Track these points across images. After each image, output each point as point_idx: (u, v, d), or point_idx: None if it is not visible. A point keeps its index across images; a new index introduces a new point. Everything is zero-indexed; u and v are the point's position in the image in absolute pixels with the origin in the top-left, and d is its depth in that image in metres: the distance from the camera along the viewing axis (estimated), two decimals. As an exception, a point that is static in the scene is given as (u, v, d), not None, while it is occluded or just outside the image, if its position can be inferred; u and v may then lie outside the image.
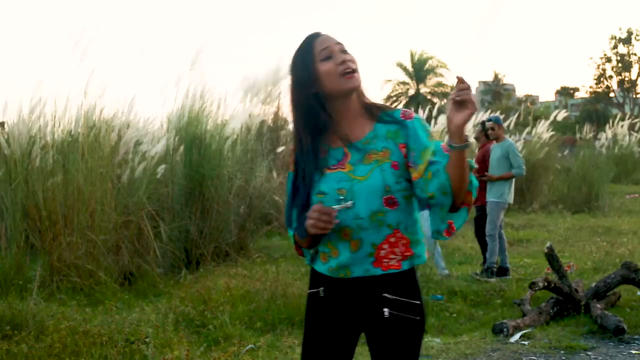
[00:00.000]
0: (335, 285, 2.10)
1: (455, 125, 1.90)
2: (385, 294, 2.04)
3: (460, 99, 1.88)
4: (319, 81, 2.05)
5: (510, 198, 7.47)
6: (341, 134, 2.07)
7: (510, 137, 15.68)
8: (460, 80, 1.88)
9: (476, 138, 8.06)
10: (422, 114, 14.98)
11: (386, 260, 2.03)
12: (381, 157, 2.02)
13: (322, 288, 2.12)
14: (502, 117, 15.38)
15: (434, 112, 14.97)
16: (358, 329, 2.13)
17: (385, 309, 2.04)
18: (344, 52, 2.08)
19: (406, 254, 2.05)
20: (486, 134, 7.76)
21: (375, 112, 2.09)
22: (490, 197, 7.40)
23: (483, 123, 7.98)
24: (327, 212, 1.96)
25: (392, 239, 2.03)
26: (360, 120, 2.09)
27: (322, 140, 2.08)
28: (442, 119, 14.82)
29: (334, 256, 2.07)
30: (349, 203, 1.99)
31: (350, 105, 2.09)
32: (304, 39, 2.12)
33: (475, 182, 2.03)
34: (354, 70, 2.06)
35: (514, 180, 7.49)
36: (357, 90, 2.08)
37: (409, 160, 2.02)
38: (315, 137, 2.07)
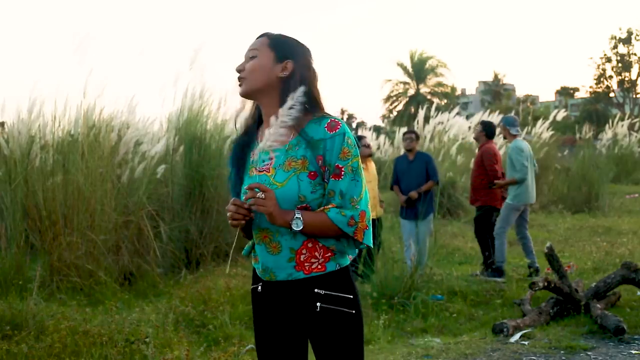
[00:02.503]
0: (269, 283, 2.15)
1: (273, 222, 2.02)
2: (317, 290, 2.07)
3: (254, 208, 2.00)
4: None
5: (527, 198, 7.37)
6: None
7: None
8: (250, 188, 2.00)
9: (476, 138, 8.06)
10: (421, 114, 14.95)
11: (308, 264, 2.07)
12: (300, 165, 2.05)
13: (260, 284, 2.17)
14: (500, 117, 15.42)
15: (432, 112, 14.93)
16: (297, 324, 2.14)
17: (318, 303, 2.06)
18: (250, 58, 2.14)
19: (327, 255, 2.07)
20: (486, 134, 7.76)
21: (300, 118, 2.06)
22: (509, 198, 7.41)
23: (482, 123, 7.98)
24: (241, 206, 2.04)
25: (310, 244, 2.07)
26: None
27: (253, 140, 2.18)
28: (439, 119, 14.84)
29: (256, 261, 2.16)
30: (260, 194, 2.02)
31: (267, 109, 2.14)
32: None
33: (355, 231, 2.05)
34: (242, 80, 2.13)
35: (530, 179, 7.41)
36: (248, 96, 2.16)
37: (325, 174, 2.06)
38: (240, 136, 2.23)
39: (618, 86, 47.57)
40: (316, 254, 2.06)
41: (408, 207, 7.36)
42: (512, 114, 16.63)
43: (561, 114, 16.05)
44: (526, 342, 4.86)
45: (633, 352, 4.63)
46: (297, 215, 2.00)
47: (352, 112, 71.19)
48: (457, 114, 15.85)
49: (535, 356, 4.58)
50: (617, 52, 47.08)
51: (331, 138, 2.04)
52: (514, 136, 7.57)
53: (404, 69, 48.83)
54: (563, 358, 4.56)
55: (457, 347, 4.78)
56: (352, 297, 2.09)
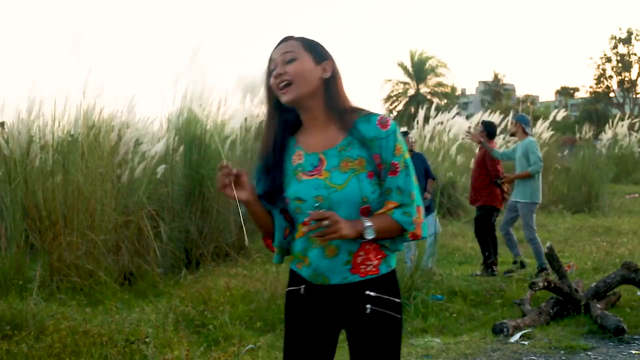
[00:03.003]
0: (314, 287, 2.10)
1: (347, 238, 1.98)
2: (368, 292, 2.06)
3: (327, 238, 1.95)
4: (270, 93, 2.12)
5: (539, 197, 7.40)
6: (314, 140, 2.09)
7: (510, 137, 15.67)
8: (315, 219, 1.93)
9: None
10: (421, 114, 14.95)
11: (363, 266, 2.05)
12: (357, 165, 2.02)
13: (303, 286, 2.12)
14: (501, 116, 15.39)
15: (432, 112, 14.92)
16: (338, 326, 2.14)
17: (368, 305, 2.06)
18: (288, 62, 2.05)
19: (379, 256, 2.07)
20: (488, 134, 7.76)
21: (349, 118, 2.06)
22: (521, 198, 7.35)
23: (483, 123, 7.98)
24: (227, 169, 2.02)
25: (367, 246, 2.05)
26: (332, 126, 2.08)
27: (296, 144, 2.12)
28: (439, 119, 14.83)
29: (306, 264, 2.08)
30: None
31: (313, 113, 2.09)
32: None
33: (415, 228, 2.05)
34: (288, 83, 2.04)
35: (539, 178, 7.40)
36: (296, 102, 2.06)
37: (381, 172, 2.04)
38: (283, 138, 2.12)
39: (618, 86, 47.58)
40: (371, 255, 2.05)
41: None
42: (512, 113, 16.66)
43: (561, 114, 16.05)
44: (526, 342, 4.86)
45: (633, 352, 4.63)
46: (367, 224, 1.97)
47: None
48: (457, 114, 15.86)
49: (535, 356, 4.58)
50: (617, 52, 47.10)
51: (385, 136, 2.03)
52: (527, 135, 7.55)
53: (404, 69, 48.83)
54: (563, 358, 4.56)
55: (457, 347, 4.78)
56: (399, 301, 2.11)
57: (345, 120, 2.06)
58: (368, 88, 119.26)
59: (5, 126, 7.55)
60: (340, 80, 2.11)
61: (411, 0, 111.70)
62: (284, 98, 2.04)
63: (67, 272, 6.23)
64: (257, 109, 9.78)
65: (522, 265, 7.49)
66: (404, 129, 11.31)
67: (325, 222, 1.90)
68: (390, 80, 49.14)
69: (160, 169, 7.44)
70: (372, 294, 2.06)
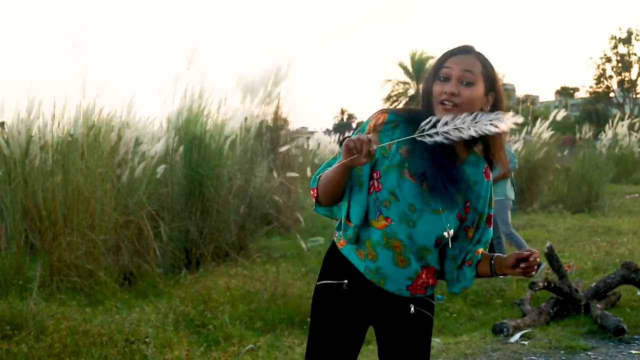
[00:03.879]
0: (362, 282, 2.08)
1: (506, 273, 2.10)
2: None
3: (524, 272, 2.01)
4: (430, 95, 2.03)
5: (512, 194, 7.49)
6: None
7: (510, 136, 15.66)
8: (532, 260, 1.98)
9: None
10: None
11: (419, 288, 2.12)
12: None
13: (346, 281, 2.09)
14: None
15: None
16: (370, 322, 2.16)
17: (412, 305, 2.11)
18: (465, 83, 1.98)
19: (430, 281, 2.16)
20: None
21: (468, 147, 2.06)
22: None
23: None
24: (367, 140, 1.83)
25: (425, 272, 2.12)
26: (456, 154, 2.05)
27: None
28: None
29: (370, 259, 2.05)
30: (415, 227, 2.02)
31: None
32: (454, 47, 2.06)
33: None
34: (454, 106, 1.96)
35: (512, 175, 7.48)
36: None
37: (468, 215, 2.08)
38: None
39: (618, 86, 47.56)
40: (430, 280, 2.15)
41: None
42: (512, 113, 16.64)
43: (561, 114, 16.04)
44: (526, 342, 4.86)
45: (633, 352, 4.63)
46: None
47: (352, 112, 71.24)
48: (457, 113, 15.83)
49: (535, 356, 4.58)
50: (617, 52, 47.09)
51: (487, 184, 2.08)
52: None
53: (404, 69, 48.83)
54: (563, 358, 4.56)
55: (457, 347, 4.78)
56: (434, 302, 2.21)
57: (468, 151, 2.07)
58: (368, 88, 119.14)
59: (5, 126, 7.55)
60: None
61: (411, 1, 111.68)
62: (443, 115, 1.93)
63: (67, 272, 6.23)
64: (257, 109, 9.79)
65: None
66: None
67: (533, 259, 1.98)
68: (390, 80, 49.17)
69: (160, 169, 7.44)
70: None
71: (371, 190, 2.01)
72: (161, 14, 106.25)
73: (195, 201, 7.76)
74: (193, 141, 7.97)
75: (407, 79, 49.03)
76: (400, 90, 49.24)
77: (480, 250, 2.13)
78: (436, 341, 4.98)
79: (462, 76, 1.98)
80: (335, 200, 2.05)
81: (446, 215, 2.00)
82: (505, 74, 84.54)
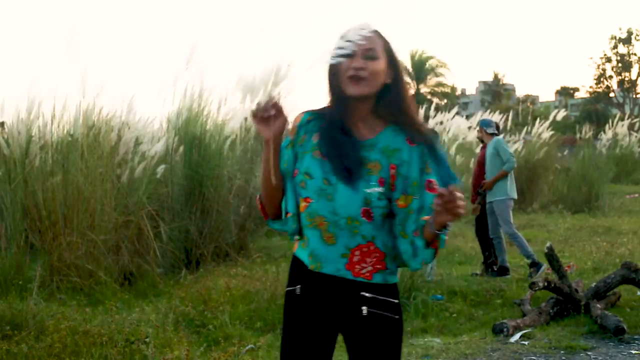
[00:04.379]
0: (311, 282, 2.09)
1: (439, 223, 1.95)
2: (363, 293, 2.05)
3: (447, 210, 1.90)
4: (335, 70, 2.08)
5: (514, 193, 7.44)
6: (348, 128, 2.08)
7: (510, 137, 15.68)
8: (447, 194, 1.89)
9: (480, 138, 8.06)
10: (421, 114, 14.96)
11: (358, 267, 2.04)
12: (371, 168, 2.03)
13: (299, 286, 2.11)
14: (501, 117, 15.40)
15: (432, 112, 14.93)
16: (335, 328, 2.12)
17: (364, 307, 2.04)
18: (369, 57, 2.04)
19: (377, 266, 2.06)
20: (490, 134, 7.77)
21: (385, 120, 2.08)
22: (494, 197, 7.35)
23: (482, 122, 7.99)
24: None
25: (365, 249, 2.04)
26: (368, 123, 2.09)
27: (323, 124, 2.10)
28: (439, 118, 14.83)
29: (304, 247, 2.09)
30: (334, 199, 2.01)
31: (359, 107, 2.08)
32: (358, 22, 2.09)
33: (444, 237, 2.03)
34: (362, 79, 2.03)
35: (512, 174, 7.44)
36: (361, 97, 2.05)
37: (396, 183, 2.03)
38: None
39: (618, 86, 47.56)
40: (368, 259, 2.04)
41: None
42: (511, 113, 16.67)
43: (561, 114, 16.05)
44: (526, 342, 4.86)
45: (633, 352, 4.63)
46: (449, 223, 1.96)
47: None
48: (457, 113, 15.85)
49: (535, 356, 4.58)
50: (617, 52, 47.09)
51: (410, 151, 2.04)
52: (492, 136, 7.60)
53: (404, 68, 48.76)
54: (563, 358, 4.56)
55: (457, 347, 4.78)
56: (397, 301, 2.10)
57: (384, 120, 2.08)
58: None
59: (5, 126, 7.55)
60: (404, 87, 2.11)
61: (411, 1, 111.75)
62: (353, 90, 2.03)
63: (67, 272, 6.23)
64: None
65: (507, 270, 7.41)
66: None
67: (461, 202, 1.88)
68: (390, 80, 49.17)
69: (160, 169, 7.44)
70: (367, 295, 2.05)
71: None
72: (161, 13, 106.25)
73: (195, 201, 7.77)
74: (193, 141, 7.97)
75: (407, 79, 48.90)
76: (400, 90, 49.22)
77: (426, 218, 2.02)
78: (436, 341, 4.98)
79: (366, 51, 2.04)
80: (276, 202, 2.13)
81: (364, 183, 2.01)
82: (505, 74, 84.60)
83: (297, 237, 2.15)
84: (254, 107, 2.03)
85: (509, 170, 7.29)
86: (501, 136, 7.85)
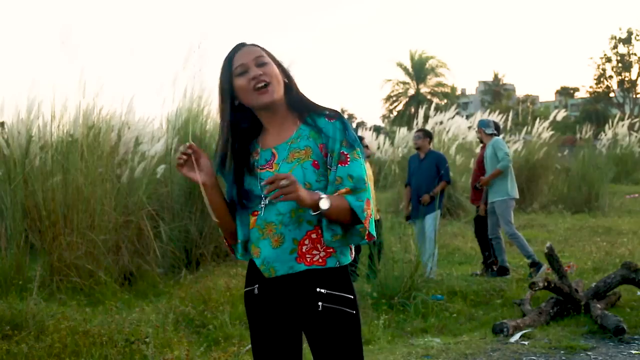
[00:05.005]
0: (268, 283, 2.13)
1: (303, 204, 1.98)
2: (319, 289, 2.07)
3: (286, 198, 1.94)
4: (238, 96, 2.13)
5: (515, 192, 7.42)
6: (270, 137, 2.15)
7: (510, 137, 15.69)
8: (270, 182, 1.94)
9: (480, 138, 8.05)
10: (421, 113, 14.96)
11: (309, 255, 2.07)
12: (303, 155, 2.08)
13: (256, 286, 2.15)
14: (501, 117, 15.39)
15: (432, 112, 14.93)
16: (297, 326, 2.15)
17: (320, 303, 2.07)
18: (261, 64, 2.10)
19: (329, 250, 2.08)
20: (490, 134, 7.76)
21: (304, 113, 2.15)
22: (495, 197, 7.34)
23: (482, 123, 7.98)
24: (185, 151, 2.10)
25: (314, 235, 2.08)
26: (288, 122, 2.16)
27: (252, 142, 2.18)
28: (439, 118, 14.83)
29: (257, 255, 2.11)
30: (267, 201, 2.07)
31: (275, 112, 2.14)
32: (229, 51, 2.17)
33: (365, 217, 2.05)
34: (267, 84, 2.09)
35: (512, 173, 7.42)
36: (273, 103, 2.11)
37: (328, 161, 2.09)
38: (242, 141, 2.16)
39: (618, 86, 47.55)
40: (318, 245, 2.07)
41: (415, 207, 7.42)
42: (511, 113, 16.67)
43: (561, 114, 16.05)
44: (526, 342, 4.86)
45: (633, 352, 4.63)
46: (322, 195, 1.98)
47: (352, 112, 71.26)
48: (457, 113, 15.84)
49: (535, 356, 4.58)
50: (617, 52, 47.06)
51: (332, 128, 2.09)
52: (491, 136, 7.58)
53: (404, 69, 48.85)
54: (563, 358, 4.56)
55: (457, 347, 4.78)
56: (352, 297, 2.12)
57: (301, 114, 2.15)
58: (368, 88, 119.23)
59: (5, 126, 7.56)
60: (295, 82, 2.20)
61: (411, 1, 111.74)
62: (264, 99, 2.09)
63: (67, 272, 6.23)
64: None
65: (507, 270, 7.42)
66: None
67: (284, 182, 1.91)
68: (390, 80, 49.20)
69: (160, 169, 7.44)
70: (323, 291, 2.08)
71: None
72: (161, 13, 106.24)
73: (195, 201, 7.77)
74: (193, 141, 7.96)
75: (407, 79, 49.04)
76: (400, 90, 49.26)
77: (342, 191, 2.05)
78: (436, 341, 4.98)
79: (255, 60, 2.11)
80: (230, 227, 2.20)
81: (297, 170, 2.05)
82: (505, 74, 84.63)
83: (244, 258, 2.20)
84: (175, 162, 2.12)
85: (503, 168, 7.25)
86: (501, 136, 7.84)
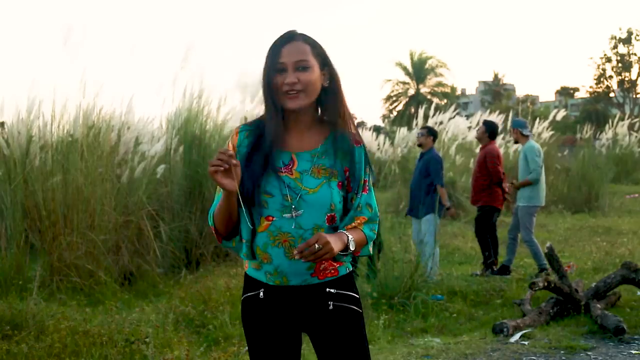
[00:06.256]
0: (274, 290, 2.10)
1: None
2: (328, 289, 2.09)
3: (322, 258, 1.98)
4: (272, 88, 2.09)
5: (540, 200, 7.42)
6: (291, 140, 2.11)
7: (510, 137, 15.67)
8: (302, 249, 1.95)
9: (478, 138, 8.04)
10: (421, 113, 15.00)
11: (324, 271, 2.09)
12: (329, 174, 2.08)
13: (262, 289, 2.12)
14: (501, 117, 15.38)
15: (431, 112, 14.94)
16: (299, 328, 2.14)
17: (330, 302, 2.09)
18: (300, 69, 2.06)
19: (339, 262, 2.12)
20: (489, 134, 7.75)
21: (334, 127, 2.13)
22: (520, 202, 7.40)
23: (486, 123, 7.96)
24: (225, 153, 1.97)
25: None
26: (314, 131, 2.13)
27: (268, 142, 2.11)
28: (439, 118, 14.84)
29: (266, 262, 2.07)
30: (300, 212, 2.03)
31: (301, 117, 2.12)
32: (280, 37, 2.11)
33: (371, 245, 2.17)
34: (298, 92, 2.06)
35: (542, 182, 7.42)
36: (300, 110, 2.08)
37: (352, 185, 2.11)
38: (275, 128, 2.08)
39: (618, 86, 47.55)
40: (332, 261, 2.10)
41: (411, 207, 7.42)
42: (511, 113, 16.65)
43: (561, 114, 16.04)
44: (526, 342, 4.86)
45: (633, 352, 4.63)
46: (350, 237, 2.04)
47: (352, 112, 71.15)
48: (457, 113, 15.85)
49: (535, 356, 4.58)
50: (617, 52, 47.06)
51: (359, 153, 2.12)
52: (527, 137, 7.58)
53: (404, 69, 48.84)
54: (563, 358, 4.56)
55: (457, 347, 4.78)
56: (358, 296, 2.15)
57: (325, 131, 2.12)
58: (368, 88, 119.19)
59: (5, 126, 7.55)
60: (339, 87, 2.15)
61: (412, 1, 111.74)
62: (291, 104, 2.07)
63: (67, 272, 6.23)
64: (257, 109, 9.78)
65: (509, 270, 7.43)
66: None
67: (317, 246, 1.93)
68: (390, 80, 49.19)
69: (160, 169, 7.44)
70: (332, 290, 2.10)
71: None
72: (162, 13, 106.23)
73: (195, 201, 7.77)
74: (193, 141, 7.97)
75: (407, 79, 49.03)
76: (400, 90, 49.25)
77: (360, 219, 2.10)
78: (436, 341, 4.98)
79: (296, 63, 2.06)
80: (233, 226, 2.14)
81: (326, 189, 2.05)
82: (505, 74, 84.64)
83: (248, 259, 2.15)
84: (210, 166, 1.98)
85: (533, 180, 7.30)
86: (533, 141, 7.76)
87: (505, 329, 5.03)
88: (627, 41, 46.84)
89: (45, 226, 6.43)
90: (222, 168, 1.95)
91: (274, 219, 2.04)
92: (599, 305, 5.38)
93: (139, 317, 5.08)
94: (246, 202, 2.06)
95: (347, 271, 2.14)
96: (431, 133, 7.59)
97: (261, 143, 2.09)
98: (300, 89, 2.05)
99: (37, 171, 6.77)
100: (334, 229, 2.08)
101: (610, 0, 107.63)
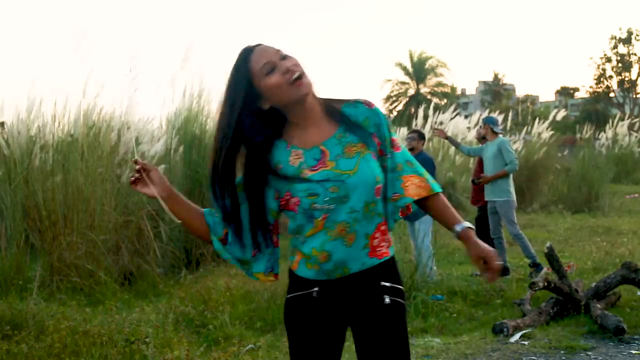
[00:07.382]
0: (328, 283, 2.06)
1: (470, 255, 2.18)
2: (383, 283, 2.07)
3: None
4: (267, 97, 2.01)
5: (514, 194, 7.44)
6: (309, 135, 2.06)
7: (510, 136, 15.68)
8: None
9: (482, 135, 8.03)
10: (421, 113, 15.00)
11: (379, 248, 2.06)
12: (361, 148, 2.04)
13: (316, 289, 2.07)
14: (500, 116, 15.39)
15: (431, 112, 14.95)
16: (347, 323, 2.12)
17: (386, 296, 2.07)
18: (284, 57, 2.01)
19: (389, 239, 2.12)
20: (491, 130, 7.75)
21: (337, 106, 2.10)
22: (497, 197, 7.34)
23: (485, 119, 7.97)
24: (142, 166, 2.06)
25: (383, 227, 2.08)
26: (326, 117, 2.09)
27: (288, 146, 2.06)
28: (439, 118, 14.85)
29: (324, 260, 2.03)
30: (348, 197, 2.00)
31: (311, 106, 2.05)
32: (238, 55, 2.05)
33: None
34: (301, 75, 2.00)
35: (511, 177, 7.45)
36: (309, 95, 2.02)
37: (382, 148, 2.09)
38: (261, 150, 2.05)
39: (618, 86, 47.56)
40: (385, 237, 2.08)
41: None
42: (511, 113, 16.66)
43: (561, 114, 16.05)
44: (526, 342, 4.86)
45: (633, 352, 4.63)
46: (468, 224, 2.21)
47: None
48: (457, 113, 15.85)
49: (535, 356, 4.58)
50: (617, 52, 47.08)
51: (377, 114, 2.10)
52: (496, 134, 7.57)
53: (404, 69, 48.85)
54: (563, 358, 4.56)
55: (457, 347, 4.78)
56: (403, 288, 2.15)
57: (335, 108, 2.10)
58: (368, 88, 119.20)
59: (5, 126, 7.56)
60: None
61: (411, 1, 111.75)
62: (302, 90, 1.99)
63: (67, 272, 6.23)
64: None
65: (507, 270, 7.42)
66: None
67: (497, 263, 2.07)
68: (390, 80, 49.19)
69: (160, 168, 7.44)
70: (387, 284, 2.07)
71: (291, 210, 2.05)
72: (162, 13, 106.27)
73: (195, 201, 7.71)
74: (192, 141, 7.98)
75: (407, 79, 49.04)
76: (400, 90, 49.26)
77: (410, 180, 2.11)
78: (436, 341, 4.98)
79: (279, 55, 2.02)
80: (204, 232, 2.17)
81: (364, 164, 2.02)
82: (505, 74, 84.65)
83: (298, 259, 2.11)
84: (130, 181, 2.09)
85: (511, 171, 7.27)
86: (507, 137, 7.83)
87: (505, 329, 5.03)
88: (627, 41, 46.86)
89: (45, 226, 6.43)
90: (133, 179, 2.06)
91: (327, 214, 1.99)
92: (599, 305, 5.38)
93: (139, 317, 5.08)
94: (258, 223, 2.10)
95: (393, 253, 2.11)
96: (422, 137, 7.64)
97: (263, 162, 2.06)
98: (300, 69, 2.00)
99: (37, 171, 6.77)
100: (383, 199, 2.06)
101: (610, 0, 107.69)
